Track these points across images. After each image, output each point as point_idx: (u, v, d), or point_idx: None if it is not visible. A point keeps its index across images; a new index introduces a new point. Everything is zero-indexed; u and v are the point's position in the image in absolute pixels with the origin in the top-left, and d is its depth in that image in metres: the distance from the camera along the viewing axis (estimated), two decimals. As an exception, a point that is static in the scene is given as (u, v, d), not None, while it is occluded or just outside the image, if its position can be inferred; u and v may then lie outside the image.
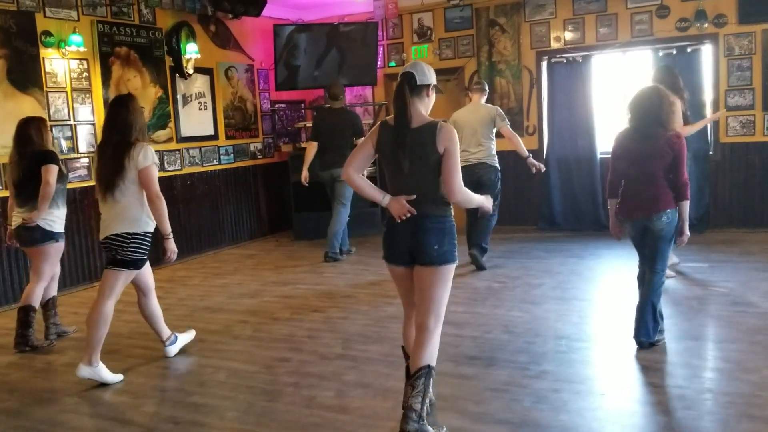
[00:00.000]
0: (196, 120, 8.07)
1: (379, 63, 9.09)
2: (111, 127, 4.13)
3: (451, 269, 3.16)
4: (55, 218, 4.81)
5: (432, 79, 3.22)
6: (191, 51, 7.68)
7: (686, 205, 4.07)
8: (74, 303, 6.13)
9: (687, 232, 4.13)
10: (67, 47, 6.46)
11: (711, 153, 7.69)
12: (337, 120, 7.32)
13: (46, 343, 4.91)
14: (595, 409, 3.39)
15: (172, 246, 4.26)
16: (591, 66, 8.10)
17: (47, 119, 4.92)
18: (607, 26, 7.94)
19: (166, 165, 7.63)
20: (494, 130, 6.51)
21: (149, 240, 4.21)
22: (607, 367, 4.02)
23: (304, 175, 7.26)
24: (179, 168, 7.82)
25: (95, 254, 6.85)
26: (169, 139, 7.68)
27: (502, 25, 8.46)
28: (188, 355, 4.58)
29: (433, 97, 3.26)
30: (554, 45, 8.24)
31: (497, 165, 6.53)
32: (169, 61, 7.64)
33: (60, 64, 6.50)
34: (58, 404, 3.84)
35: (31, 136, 4.75)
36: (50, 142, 4.91)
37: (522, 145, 6.55)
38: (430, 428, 3.06)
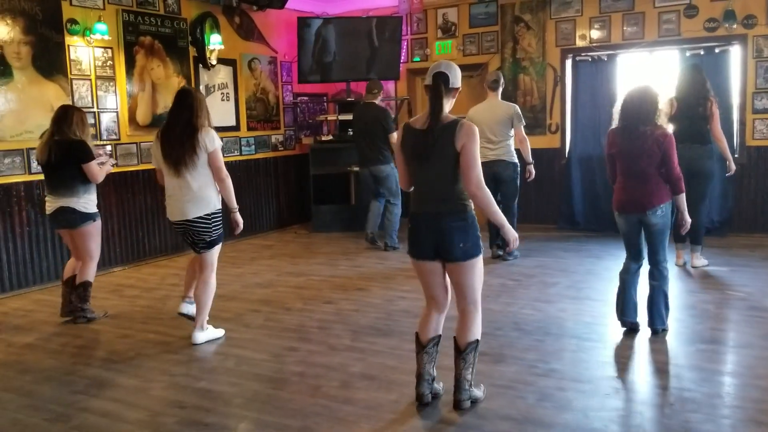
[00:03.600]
0: (218, 111, 8.12)
1: (402, 58, 9.07)
2: (178, 113, 4.41)
3: (479, 260, 3.32)
4: (89, 201, 5.07)
5: (460, 82, 3.34)
6: (215, 42, 7.74)
7: (682, 197, 4.27)
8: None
9: (688, 218, 4.32)
10: (92, 35, 6.55)
11: (737, 156, 7.54)
12: (366, 115, 7.40)
13: (82, 321, 5.12)
14: (600, 410, 3.35)
15: (238, 218, 4.70)
16: (616, 65, 7.99)
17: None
18: (633, 25, 7.83)
19: (187, 154, 7.69)
20: (512, 128, 6.56)
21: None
22: (615, 368, 3.97)
23: None
24: (200, 158, 7.88)
25: (115, 240, 6.94)
26: (191, 129, 7.74)
27: (527, 22, 8.39)
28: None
29: (455, 99, 3.38)
30: (579, 43, 8.15)
31: (516, 161, 6.61)
32: (192, 51, 7.70)
33: (85, 52, 6.59)
34: (69, 386, 3.90)
35: (69, 124, 4.93)
36: (88, 134, 5.07)
37: (529, 151, 6.71)
38: (477, 391, 3.46)
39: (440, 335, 3.48)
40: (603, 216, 8.12)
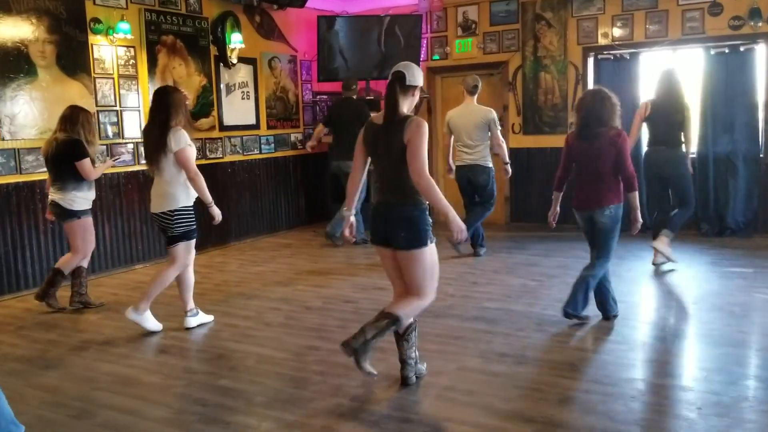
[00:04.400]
0: (238, 109, 8.16)
1: (422, 56, 9.04)
2: (155, 114, 4.63)
3: (425, 252, 3.47)
4: (75, 198, 5.24)
5: (420, 81, 3.51)
6: (236, 41, 7.76)
7: (635, 195, 4.45)
8: (114, 284, 6.26)
9: (639, 219, 4.49)
10: (115, 34, 6.59)
11: (762, 156, 7.44)
12: (345, 111, 7.57)
13: (69, 309, 5.41)
14: (624, 413, 3.31)
15: (214, 212, 4.83)
16: (639, 63, 7.90)
17: (94, 108, 5.35)
18: (657, 23, 7.74)
19: (207, 153, 7.74)
20: (488, 133, 6.69)
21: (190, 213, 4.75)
22: (640, 370, 3.92)
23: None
24: (221, 156, 7.92)
25: (137, 237, 6.99)
26: (212, 128, 7.78)
27: (548, 20, 8.32)
28: (220, 339, 4.64)
29: (417, 97, 3.55)
30: (602, 41, 8.07)
31: (491, 166, 6.79)
32: (213, 50, 7.73)
33: (108, 50, 6.63)
34: (92, 382, 3.93)
35: (74, 124, 5.17)
36: (93, 135, 5.29)
37: (506, 153, 6.85)
38: (423, 367, 3.75)
39: (412, 322, 3.67)
40: (625, 216, 8.04)
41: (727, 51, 7.40)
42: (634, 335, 4.49)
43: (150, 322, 4.79)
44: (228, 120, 8.00)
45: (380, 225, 3.56)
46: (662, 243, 6.16)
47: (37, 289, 5.60)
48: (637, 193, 4.44)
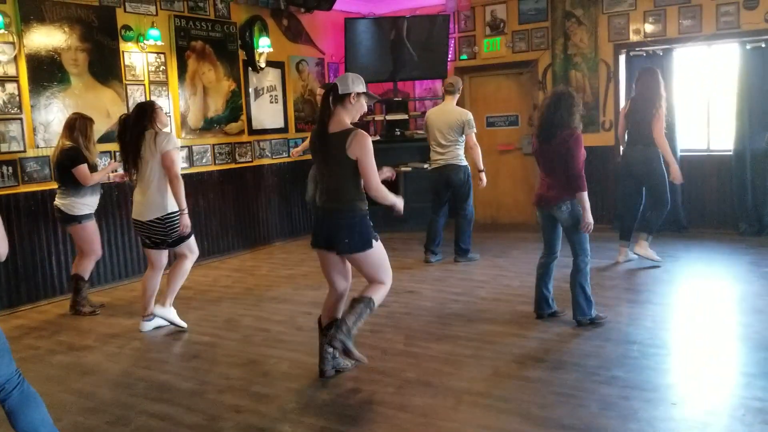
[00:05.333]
0: (267, 113, 8.19)
1: (449, 56, 8.98)
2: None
3: (368, 253, 3.71)
4: (75, 203, 5.36)
5: (355, 88, 3.62)
6: (264, 45, 7.78)
7: (582, 195, 4.49)
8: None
9: (589, 220, 4.53)
10: (145, 41, 6.65)
11: (801, 152, 7.25)
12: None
13: (70, 313, 5.54)
14: (666, 420, 3.23)
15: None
16: (672, 60, 7.74)
17: (93, 120, 5.51)
18: (690, 18, 7.57)
19: (237, 157, 7.77)
20: (462, 135, 6.63)
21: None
22: (680, 375, 3.83)
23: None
24: (250, 160, 7.95)
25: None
26: (241, 132, 7.81)
27: (578, 17, 8.20)
28: (252, 344, 4.64)
29: (358, 104, 3.66)
30: (633, 38, 7.93)
31: (465, 164, 6.71)
32: (242, 54, 7.76)
33: (138, 57, 6.70)
34: (128, 388, 3.95)
35: (72, 131, 5.34)
36: (90, 141, 5.42)
37: (480, 158, 6.71)
38: (357, 352, 3.81)
39: (337, 319, 3.86)
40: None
41: (763, 45, 7.21)
42: (673, 339, 4.39)
43: (176, 317, 4.92)
44: (257, 124, 8.03)
45: (322, 229, 3.76)
46: (642, 247, 6.21)
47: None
48: (585, 193, 4.49)
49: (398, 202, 3.83)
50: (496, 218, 9.12)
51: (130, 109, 6.54)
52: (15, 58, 5.71)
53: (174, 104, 7.03)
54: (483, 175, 6.74)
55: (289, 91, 8.46)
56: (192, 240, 4.93)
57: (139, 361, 4.41)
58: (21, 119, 5.76)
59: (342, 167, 3.60)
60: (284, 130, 8.42)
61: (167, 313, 4.92)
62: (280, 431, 3.33)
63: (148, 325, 5.02)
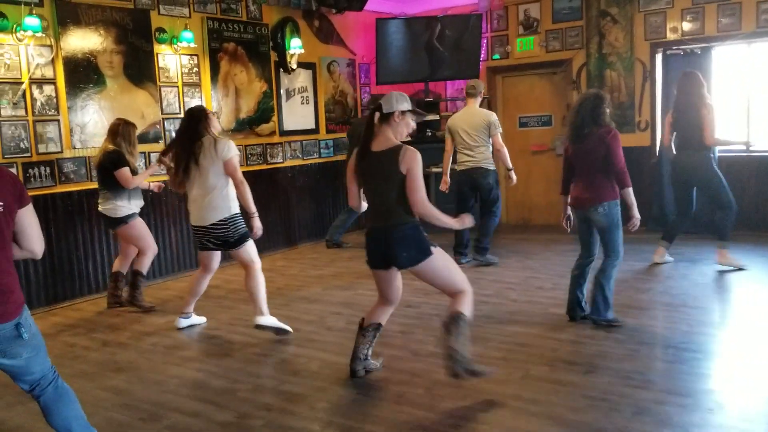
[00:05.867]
0: (298, 114, 8.23)
1: (482, 56, 8.92)
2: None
3: (431, 260, 3.60)
4: (117, 206, 5.44)
5: (399, 106, 3.61)
6: (295, 46, 7.82)
7: (628, 191, 4.48)
8: (179, 287, 6.37)
9: (636, 215, 4.54)
10: (179, 43, 6.73)
11: None
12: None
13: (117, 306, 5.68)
14: (702, 426, 3.15)
15: None
16: (711, 59, 7.58)
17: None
18: (729, 15, 7.40)
19: (268, 158, 7.83)
20: (489, 136, 6.54)
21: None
22: (716, 380, 3.74)
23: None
24: (281, 161, 8.00)
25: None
26: (272, 133, 7.86)
27: (613, 16, 8.08)
28: (283, 344, 4.66)
29: (403, 122, 3.64)
30: (670, 36, 7.78)
31: (494, 168, 6.61)
32: (274, 56, 7.81)
33: (172, 59, 6.78)
34: (161, 385, 4.00)
35: (115, 135, 5.45)
36: (133, 145, 5.53)
37: (508, 158, 6.63)
38: (479, 367, 3.63)
39: (380, 324, 3.93)
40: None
41: (806, 43, 7.03)
42: (709, 343, 4.29)
43: (276, 322, 4.80)
44: (288, 125, 8.07)
45: (378, 249, 3.69)
46: (723, 256, 6.01)
47: (122, 294, 5.79)
48: (630, 189, 4.47)
49: (456, 223, 3.74)
50: (528, 220, 9.02)
51: (164, 110, 6.67)
52: (52, 61, 5.82)
53: (206, 106, 7.09)
54: (512, 174, 6.66)
55: (320, 92, 8.49)
56: (252, 245, 4.81)
57: (172, 359, 4.46)
58: (58, 120, 5.87)
59: (391, 183, 3.55)
60: (315, 131, 8.45)
61: (270, 321, 4.76)
62: (309, 430, 3.33)
63: (184, 322, 5.06)
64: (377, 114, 3.64)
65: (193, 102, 6.94)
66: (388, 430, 3.28)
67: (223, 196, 4.65)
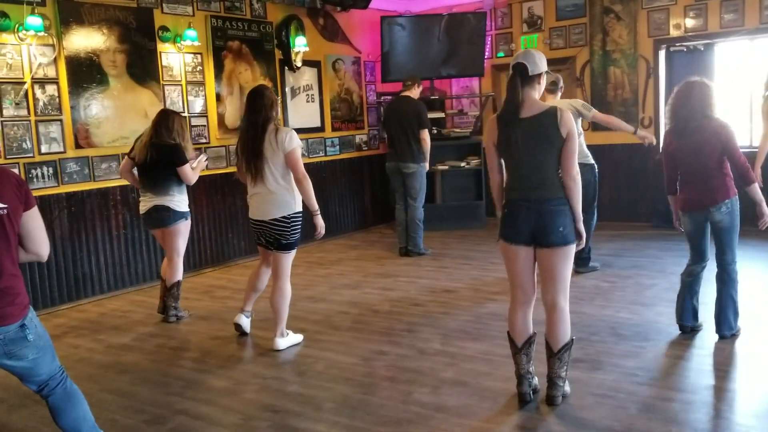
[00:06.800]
0: (303, 112, 8.22)
1: (486, 54, 8.90)
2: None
3: (573, 248, 3.33)
4: (181, 200, 5.21)
5: (543, 66, 3.35)
6: (300, 44, 7.81)
7: (754, 187, 4.05)
8: (186, 288, 6.36)
9: (766, 211, 4.08)
10: (182, 42, 6.72)
11: None
12: (401, 109, 7.18)
13: (173, 320, 5.32)
14: (708, 422, 3.14)
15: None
16: (714, 55, 7.56)
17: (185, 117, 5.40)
18: (732, 12, 7.37)
19: (273, 156, 7.81)
20: (580, 126, 5.95)
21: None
22: (723, 377, 3.72)
23: None
24: (286, 159, 7.97)
25: (207, 242, 7.11)
26: (277, 131, 7.84)
27: (617, 13, 8.05)
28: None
29: (544, 82, 3.40)
30: (674, 33, 7.75)
31: (592, 162, 6.02)
32: (278, 54, 7.80)
33: (176, 58, 6.77)
34: (165, 387, 3.99)
35: (170, 129, 5.08)
36: (187, 139, 5.21)
37: (622, 122, 6.20)
38: (567, 387, 3.48)
39: (533, 333, 3.48)
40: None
41: (811, 38, 6.99)
42: (714, 340, 4.25)
43: (293, 340, 4.61)
44: (293, 123, 8.06)
45: (526, 222, 3.29)
46: None
47: (159, 301, 5.45)
48: (756, 184, 4.04)
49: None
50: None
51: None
52: (55, 61, 5.82)
53: (210, 104, 7.09)
54: (642, 132, 6.26)
55: (325, 91, 8.48)
56: (293, 257, 4.54)
57: (177, 360, 4.45)
58: (61, 120, 5.87)
59: (549, 148, 3.24)
60: (321, 129, 8.44)
61: (288, 342, 4.56)
62: (315, 431, 3.32)
63: (245, 321, 4.83)
64: (519, 77, 3.30)
65: (197, 101, 6.93)
66: (394, 429, 3.27)
67: (289, 191, 4.37)
